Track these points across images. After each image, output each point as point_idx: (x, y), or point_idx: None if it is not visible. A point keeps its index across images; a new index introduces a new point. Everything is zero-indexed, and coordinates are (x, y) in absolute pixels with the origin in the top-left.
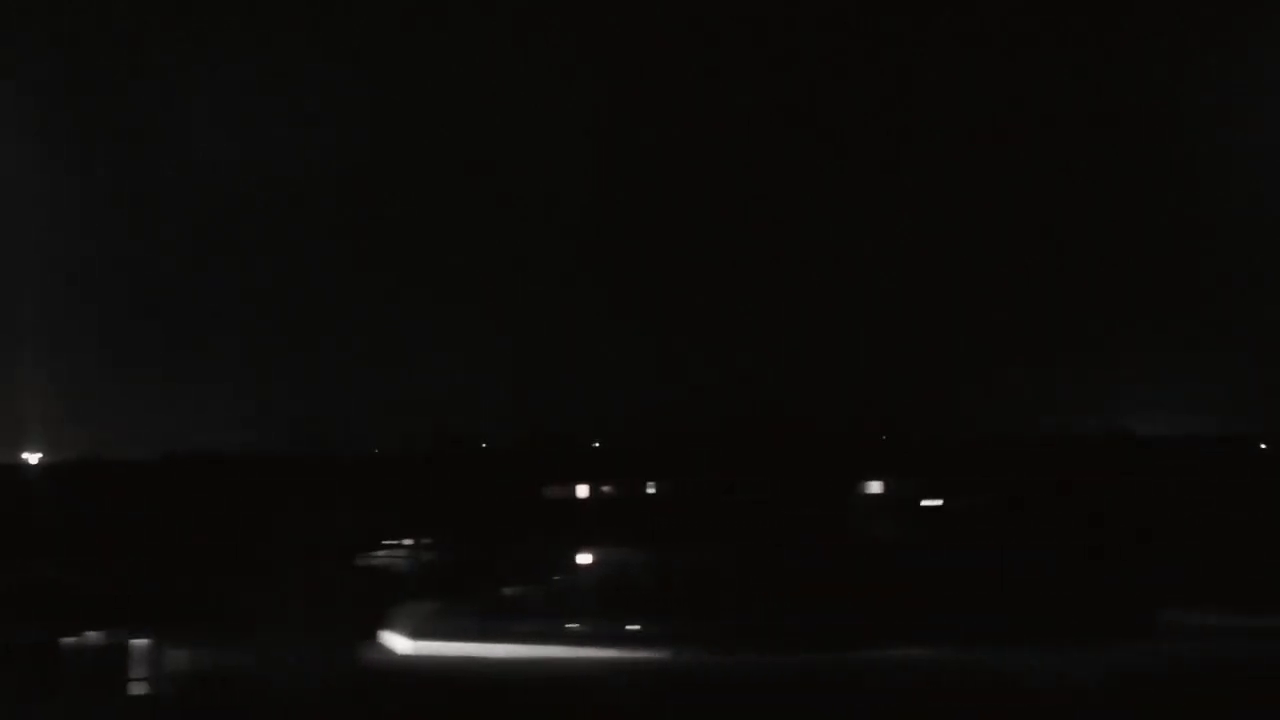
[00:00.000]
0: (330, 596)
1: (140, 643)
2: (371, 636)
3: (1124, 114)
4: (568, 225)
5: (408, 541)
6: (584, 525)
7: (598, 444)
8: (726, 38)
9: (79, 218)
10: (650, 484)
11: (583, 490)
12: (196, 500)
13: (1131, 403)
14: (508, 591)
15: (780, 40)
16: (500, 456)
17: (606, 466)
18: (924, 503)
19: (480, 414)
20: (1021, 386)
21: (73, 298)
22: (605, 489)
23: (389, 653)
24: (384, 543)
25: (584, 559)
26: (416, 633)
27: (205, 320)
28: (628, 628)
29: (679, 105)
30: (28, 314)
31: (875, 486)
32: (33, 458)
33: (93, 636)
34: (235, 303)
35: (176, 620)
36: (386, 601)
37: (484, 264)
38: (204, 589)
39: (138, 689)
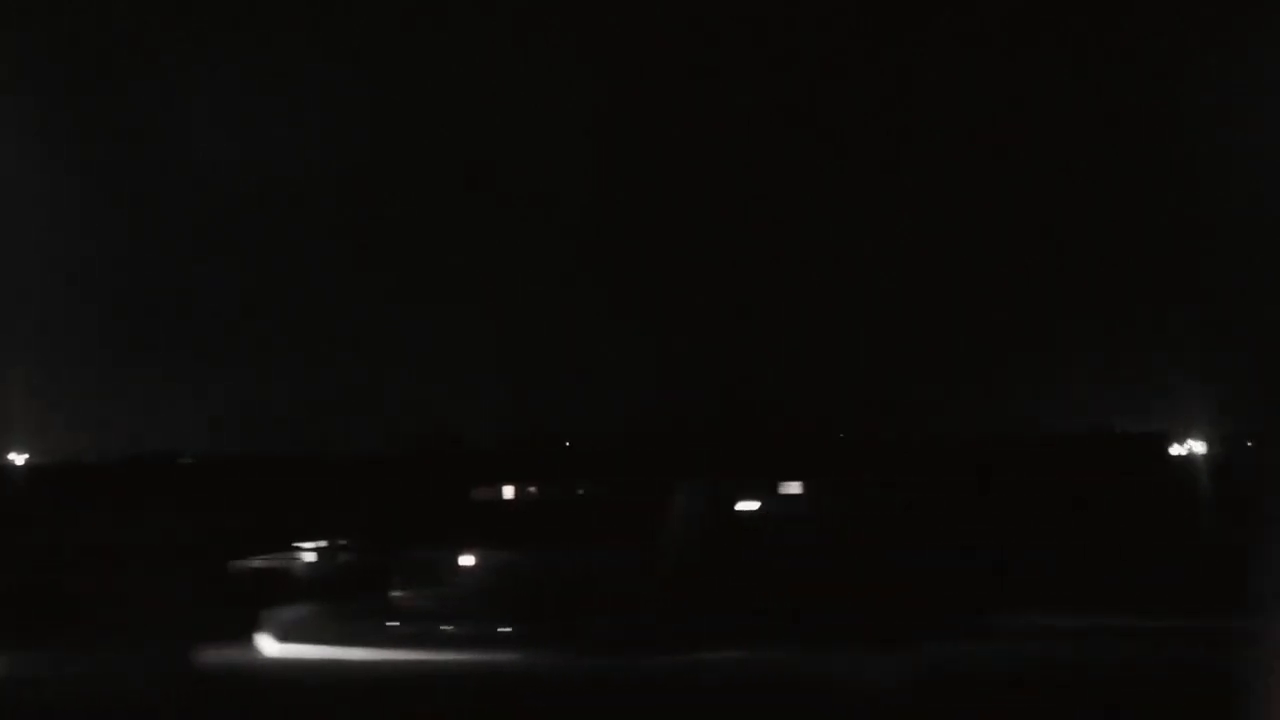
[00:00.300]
0: (197, 598)
1: None
2: (243, 638)
3: (1124, 114)
4: (568, 225)
5: (323, 542)
6: (496, 527)
7: (562, 444)
8: (726, 38)
9: (79, 218)
10: (581, 487)
11: (509, 492)
12: (85, 502)
13: (1131, 403)
14: (395, 593)
15: (780, 40)
16: (433, 460)
17: (535, 469)
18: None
19: (480, 414)
20: (1020, 386)
21: (73, 298)
22: (531, 490)
23: (254, 655)
24: (295, 544)
25: (470, 561)
26: (287, 635)
27: (205, 320)
28: (500, 630)
29: (679, 105)
30: (28, 314)
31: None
32: (19, 458)
33: None
34: (235, 303)
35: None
36: (267, 603)
37: (484, 264)
38: (49, 592)
39: None
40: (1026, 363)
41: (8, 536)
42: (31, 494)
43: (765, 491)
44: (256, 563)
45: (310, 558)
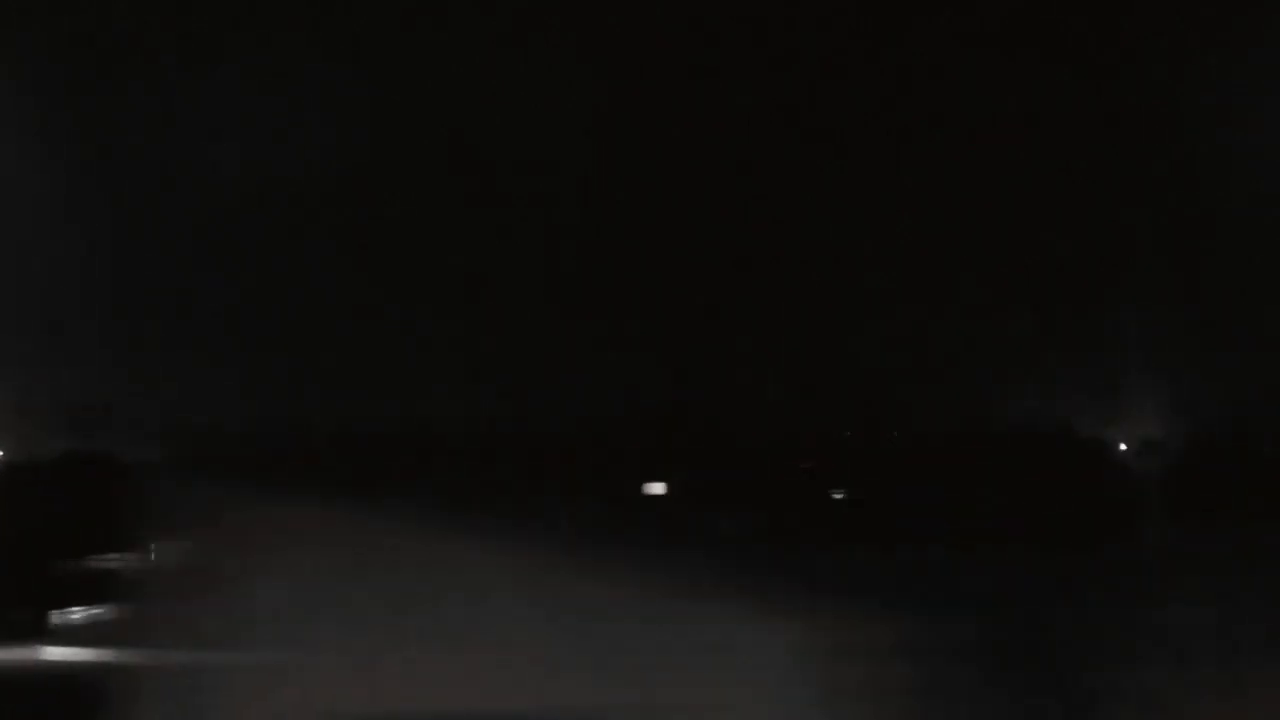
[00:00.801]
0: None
1: None
2: (33, 641)
3: (1124, 114)
4: (568, 225)
5: (182, 542)
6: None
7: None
8: (726, 38)
9: (79, 218)
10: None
11: None
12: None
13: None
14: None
15: (780, 40)
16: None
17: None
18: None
19: (480, 414)
20: (1019, 389)
21: (72, 298)
22: None
23: (22, 657)
24: (150, 543)
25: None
26: (72, 637)
27: (205, 320)
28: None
29: (679, 105)
30: (26, 314)
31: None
32: None
33: None
34: (235, 303)
35: None
36: (85, 604)
37: (484, 264)
38: None
39: None
40: (1022, 362)
41: None
42: None
43: None
44: (92, 562)
45: (162, 556)
